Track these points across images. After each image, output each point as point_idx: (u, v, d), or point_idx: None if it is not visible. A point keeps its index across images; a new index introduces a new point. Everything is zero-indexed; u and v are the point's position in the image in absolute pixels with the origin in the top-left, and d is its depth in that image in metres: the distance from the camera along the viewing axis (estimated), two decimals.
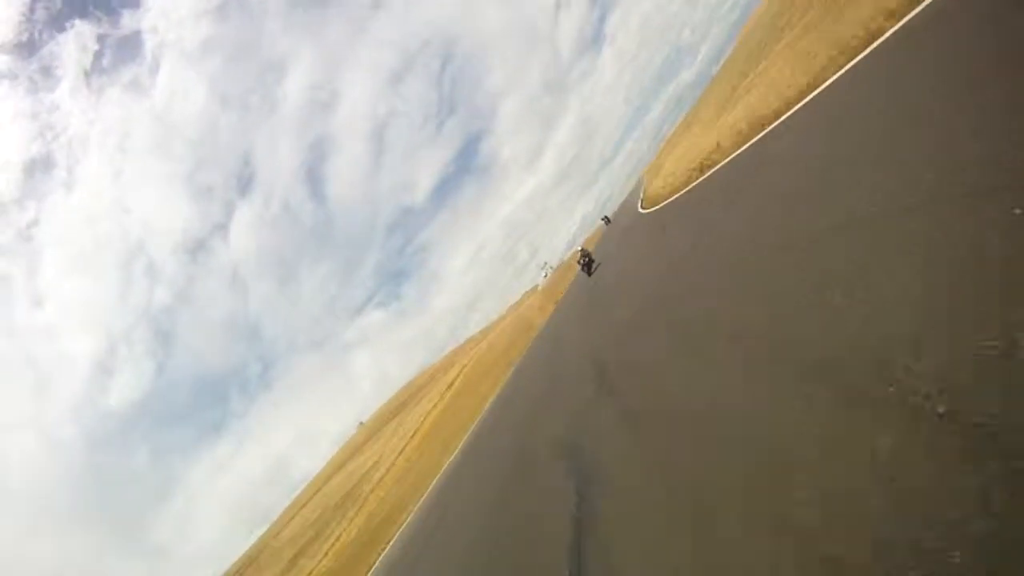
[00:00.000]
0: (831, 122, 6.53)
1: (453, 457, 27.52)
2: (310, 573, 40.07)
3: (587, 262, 27.14)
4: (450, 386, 68.78)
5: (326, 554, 37.47)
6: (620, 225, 34.48)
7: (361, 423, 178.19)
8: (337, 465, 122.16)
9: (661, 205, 19.42)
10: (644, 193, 31.26)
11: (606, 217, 62.92)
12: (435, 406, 62.49)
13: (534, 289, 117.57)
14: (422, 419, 59.98)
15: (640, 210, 26.29)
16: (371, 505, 37.13)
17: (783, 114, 9.43)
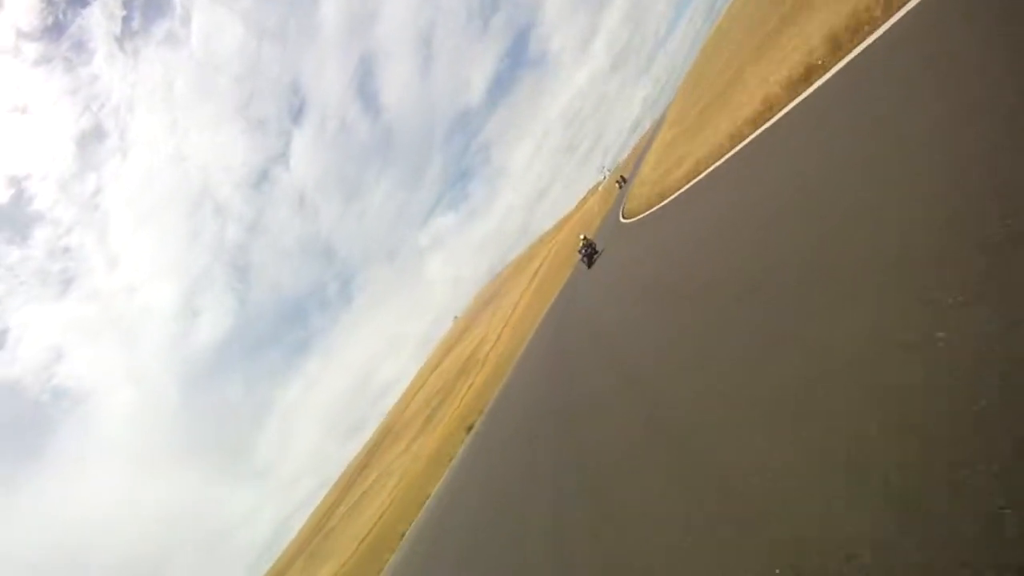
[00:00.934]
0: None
1: (542, 318, 37.59)
2: (448, 417, 53.46)
3: (589, 252, 24.55)
4: (535, 274, 79.40)
5: (462, 399, 50.56)
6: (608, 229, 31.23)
7: (456, 317, 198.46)
8: (440, 357, 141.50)
9: (639, 217, 18.20)
10: (626, 203, 28.57)
11: (622, 178, 54.89)
12: (527, 288, 73.59)
13: (596, 187, 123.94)
14: (518, 298, 71.36)
15: (621, 219, 25.14)
16: (490, 363, 49.13)
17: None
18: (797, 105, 6.68)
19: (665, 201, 14.07)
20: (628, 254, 14.38)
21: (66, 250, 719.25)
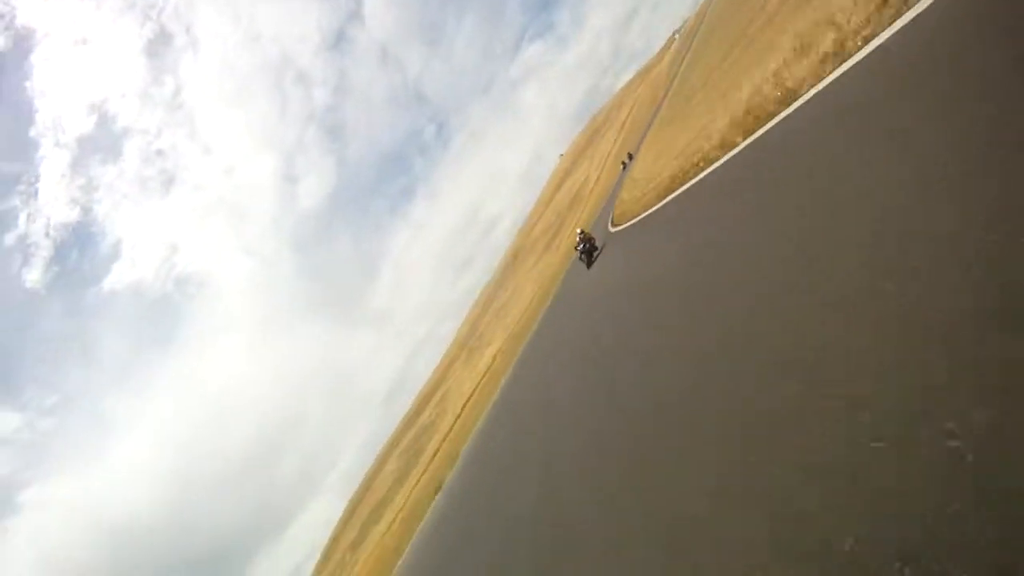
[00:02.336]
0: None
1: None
2: (566, 241, 74.47)
3: (588, 248, 21.68)
4: (623, 125, 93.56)
5: (576, 222, 71.65)
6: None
7: (560, 154, 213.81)
8: (551, 192, 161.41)
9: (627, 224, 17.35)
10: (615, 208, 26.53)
11: (630, 155, 51.36)
12: (616, 138, 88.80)
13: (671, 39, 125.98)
14: (609, 147, 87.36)
15: (610, 227, 23.13)
16: (592, 200, 68.55)
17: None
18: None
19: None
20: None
21: (159, 153, 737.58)
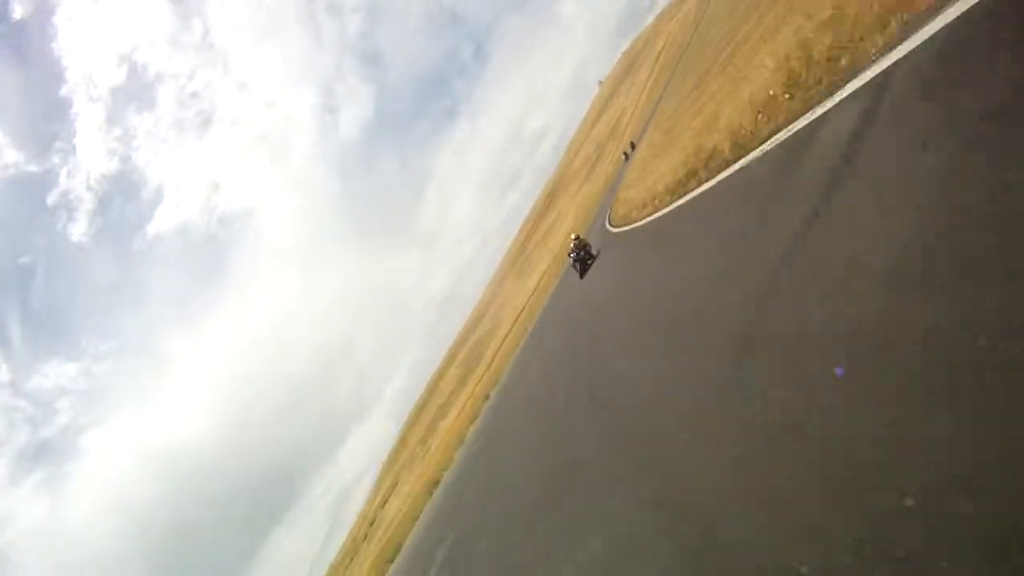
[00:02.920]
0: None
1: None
2: (605, 173, 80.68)
3: (582, 256, 19.82)
4: (658, 57, 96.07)
5: (611, 160, 77.93)
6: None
7: (599, 81, 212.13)
8: (593, 120, 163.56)
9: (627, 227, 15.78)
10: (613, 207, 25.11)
11: (632, 144, 48.03)
12: (651, 70, 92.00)
13: None
14: (645, 80, 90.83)
15: (608, 226, 21.51)
16: (627, 135, 74.28)
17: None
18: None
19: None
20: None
21: (194, 95, 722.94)
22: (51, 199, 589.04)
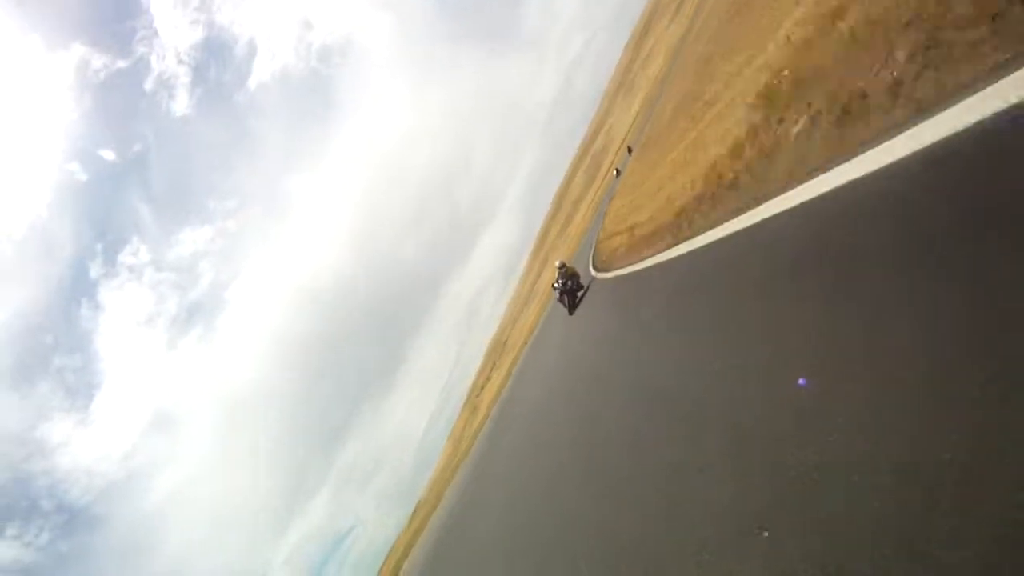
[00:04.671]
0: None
1: None
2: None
3: (569, 288, 16.58)
4: None
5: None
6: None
7: None
8: None
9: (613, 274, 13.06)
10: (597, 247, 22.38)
11: (629, 149, 43.08)
12: None
13: None
14: None
15: (591, 270, 18.42)
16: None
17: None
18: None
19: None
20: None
21: None
22: (148, 86, 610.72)
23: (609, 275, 13.22)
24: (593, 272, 17.17)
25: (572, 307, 16.56)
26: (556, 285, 16.89)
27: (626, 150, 46.17)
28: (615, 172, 45.20)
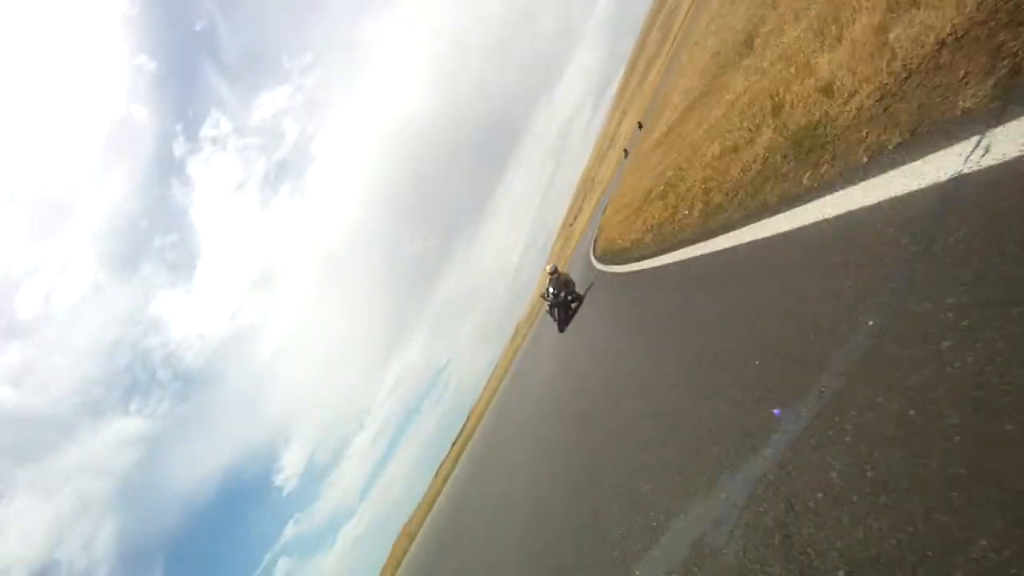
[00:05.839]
0: None
1: None
2: None
3: (562, 299, 13.67)
4: None
5: None
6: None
7: None
8: None
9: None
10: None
11: (640, 124, 40.02)
12: None
13: None
14: None
15: (592, 259, 17.15)
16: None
17: None
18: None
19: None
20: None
21: None
22: None
23: None
24: None
25: (564, 322, 13.91)
26: (546, 295, 14.27)
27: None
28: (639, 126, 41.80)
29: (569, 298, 13.83)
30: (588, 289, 13.77)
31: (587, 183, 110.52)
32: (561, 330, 13.97)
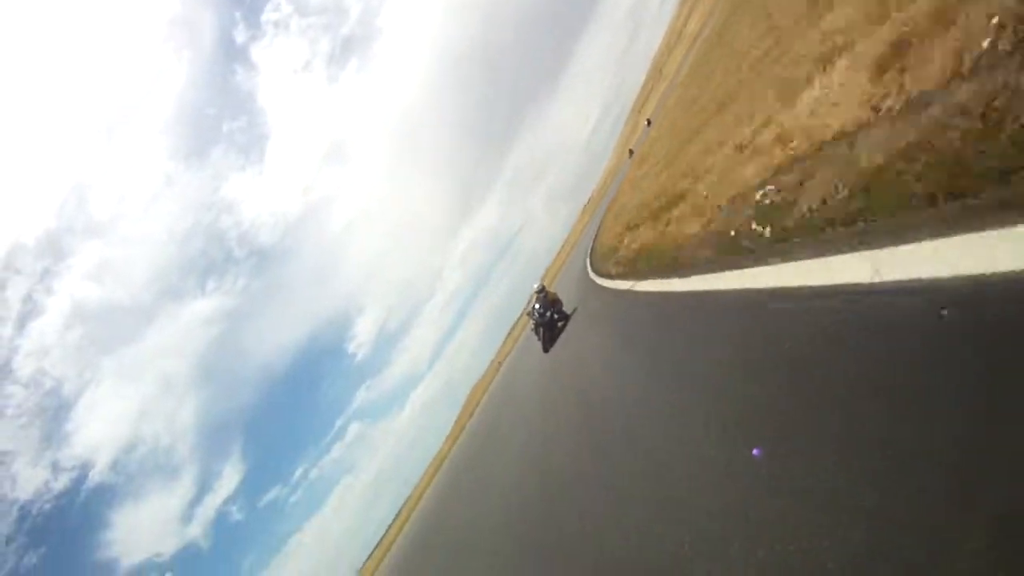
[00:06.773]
0: None
1: None
2: None
3: (549, 318, 12.86)
4: None
5: None
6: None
7: None
8: None
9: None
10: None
11: (648, 121, 40.06)
12: None
13: None
14: None
15: (590, 271, 15.73)
16: None
17: None
18: None
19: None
20: None
21: None
22: None
23: None
24: None
25: (549, 342, 13.30)
26: (532, 313, 13.53)
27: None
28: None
29: (555, 317, 13.31)
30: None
31: (659, 63, 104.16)
32: (546, 350, 13.46)
